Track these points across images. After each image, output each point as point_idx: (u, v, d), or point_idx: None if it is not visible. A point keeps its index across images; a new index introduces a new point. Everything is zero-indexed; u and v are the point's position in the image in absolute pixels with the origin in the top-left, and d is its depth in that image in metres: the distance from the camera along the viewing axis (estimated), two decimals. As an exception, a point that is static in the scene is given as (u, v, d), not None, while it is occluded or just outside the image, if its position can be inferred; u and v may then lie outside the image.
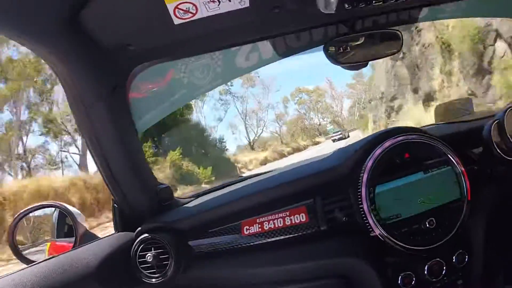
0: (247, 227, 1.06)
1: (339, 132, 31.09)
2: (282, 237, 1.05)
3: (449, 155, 1.00)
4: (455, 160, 1.00)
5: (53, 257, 1.07)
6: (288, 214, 1.05)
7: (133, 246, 1.05)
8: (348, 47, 1.11)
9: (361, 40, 1.12)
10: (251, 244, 1.06)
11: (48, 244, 1.63)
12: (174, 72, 1.14)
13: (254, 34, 1.08)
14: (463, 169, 0.99)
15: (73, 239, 1.28)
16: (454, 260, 1.01)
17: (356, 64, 1.16)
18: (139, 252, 1.04)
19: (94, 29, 0.88)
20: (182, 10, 0.83)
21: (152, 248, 1.04)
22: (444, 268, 0.99)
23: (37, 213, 1.46)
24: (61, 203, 1.39)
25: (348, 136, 29.15)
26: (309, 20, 1.07)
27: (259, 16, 0.95)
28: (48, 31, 0.82)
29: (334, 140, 28.14)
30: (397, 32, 1.14)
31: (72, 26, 0.84)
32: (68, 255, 1.08)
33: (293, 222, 1.05)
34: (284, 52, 1.18)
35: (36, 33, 0.81)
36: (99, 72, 0.97)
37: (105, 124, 1.01)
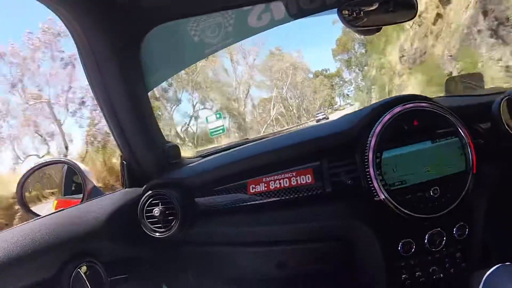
0: (253, 186, 1.08)
1: (322, 113, 31.80)
2: (287, 197, 1.07)
3: (457, 127, 1.00)
4: (463, 132, 0.99)
5: (62, 209, 1.10)
6: (294, 175, 1.07)
7: (141, 201, 1.07)
8: (362, 12, 1.09)
9: (375, 6, 1.10)
10: (256, 202, 1.08)
11: (55, 201, 1.67)
12: (185, 30, 1.13)
13: None
14: (470, 141, 0.99)
15: (79, 195, 1.32)
16: (454, 232, 1.02)
17: (369, 29, 1.14)
18: (147, 207, 1.07)
19: None
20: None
21: (160, 204, 1.06)
22: (444, 238, 1.01)
23: (46, 169, 1.50)
24: (70, 159, 1.41)
25: (328, 118, 29.65)
26: None
27: None
28: None
29: (318, 120, 27.74)
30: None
31: None
32: (77, 208, 1.11)
33: (299, 183, 1.06)
34: (296, 13, 1.16)
35: None
36: (111, 28, 0.97)
37: (116, 80, 1.02)
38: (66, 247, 0.93)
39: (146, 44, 1.06)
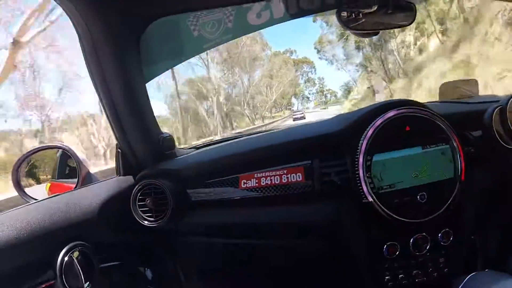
0: (245, 181, 1.10)
1: (301, 112, 31.44)
2: (277, 194, 1.09)
3: (449, 134, 1.01)
4: (454, 139, 1.01)
5: (57, 195, 1.11)
6: (285, 172, 1.08)
7: (134, 190, 1.09)
8: (360, 14, 1.10)
9: (374, 8, 1.11)
10: (247, 197, 1.10)
11: (48, 184, 1.67)
12: (185, 25, 1.14)
13: None
14: (460, 149, 1.01)
15: (73, 180, 1.32)
16: (439, 237, 1.03)
17: (366, 32, 1.15)
18: (139, 196, 1.09)
19: None
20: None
21: (152, 193, 1.08)
22: (429, 243, 1.03)
23: (40, 153, 1.51)
24: (66, 145, 1.42)
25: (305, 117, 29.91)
26: None
27: None
28: None
29: (294, 119, 28.15)
30: (411, 3, 1.13)
31: None
32: (71, 194, 1.13)
33: (290, 180, 1.08)
34: (296, 13, 1.17)
35: None
36: (113, 19, 0.98)
37: (115, 71, 1.03)
38: (60, 232, 0.95)
39: (146, 37, 1.07)
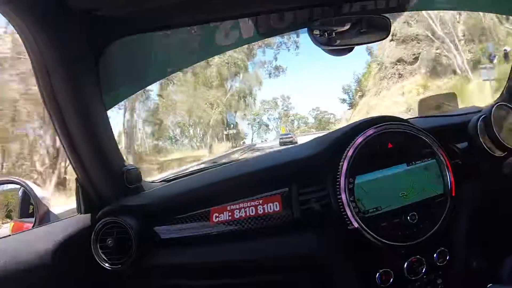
0: (217, 215, 1.01)
1: (290, 135, 26.64)
2: (253, 227, 1.01)
3: (434, 148, 0.98)
4: (440, 153, 0.97)
5: (12, 234, 1.04)
6: (261, 203, 1.01)
7: (95, 229, 1.00)
8: (334, 32, 1.07)
9: (347, 25, 1.09)
10: (220, 232, 1.02)
11: (12, 223, 1.59)
12: (148, 47, 1.08)
13: (234, 9, 1.03)
14: (448, 163, 0.97)
15: (33, 219, 1.26)
16: (435, 258, 0.98)
17: (340, 49, 1.12)
18: (100, 236, 0.99)
19: None
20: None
21: (114, 233, 0.99)
22: (424, 265, 0.97)
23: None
24: (24, 180, 1.35)
25: (296, 141, 23.61)
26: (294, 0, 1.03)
27: None
28: None
29: (281, 144, 23.81)
30: (385, 18, 1.11)
31: None
32: (24, 234, 1.06)
33: (266, 211, 1.00)
34: (266, 32, 1.14)
35: None
36: (67, 41, 0.90)
37: (68, 94, 0.93)
38: (11, 279, 0.87)
39: (104, 59, 1.00)
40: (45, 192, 1.34)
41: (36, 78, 0.93)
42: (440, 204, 0.95)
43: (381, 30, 1.11)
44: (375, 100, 23.29)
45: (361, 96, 28.95)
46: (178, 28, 1.05)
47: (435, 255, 0.97)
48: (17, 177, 1.40)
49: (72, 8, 0.86)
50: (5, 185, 1.47)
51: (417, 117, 1.45)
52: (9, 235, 1.07)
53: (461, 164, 1.05)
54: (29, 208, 1.47)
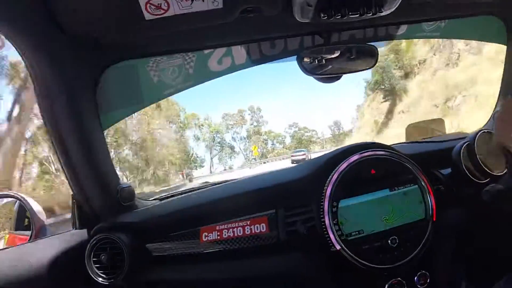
0: (206, 234, 1.04)
1: (302, 153, 25.61)
2: (240, 246, 1.03)
3: (416, 174, 1.00)
4: (422, 179, 1.00)
5: (6, 248, 1.04)
6: (248, 224, 1.03)
7: (89, 244, 1.02)
8: (323, 59, 1.11)
9: (336, 53, 1.13)
10: (209, 251, 1.04)
11: (7, 235, 1.60)
12: (144, 70, 1.12)
13: (227, 37, 1.07)
14: (429, 188, 0.99)
15: (28, 232, 1.26)
16: (415, 281, 1.00)
17: (329, 77, 1.16)
18: (94, 251, 1.01)
19: (64, 20, 0.85)
20: (154, 5, 0.82)
21: (108, 248, 1.01)
22: None
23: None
24: (22, 194, 1.36)
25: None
26: (284, 28, 1.07)
27: (232, 19, 0.93)
28: (19, 17, 0.79)
29: (294, 162, 21.67)
30: (373, 47, 1.15)
31: (43, 14, 0.81)
32: (20, 248, 1.07)
33: (253, 231, 1.03)
34: (258, 59, 1.18)
35: (7, 19, 0.79)
36: (67, 65, 0.94)
37: (69, 117, 0.98)
38: None
39: (103, 81, 1.04)
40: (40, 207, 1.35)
41: (37, 101, 0.96)
42: (421, 229, 0.97)
43: (369, 57, 1.15)
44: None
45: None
46: (172, 54, 1.10)
47: (415, 278, 0.99)
48: (13, 191, 1.42)
49: (73, 37, 0.90)
50: (2, 199, 1.48)
51: (403, 143, 1.48)
52: (5, 248, 1.08)
53: (444, 190, 1.07)
54: (25, 221, 1.49)
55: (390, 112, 18.88)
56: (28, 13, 0.80)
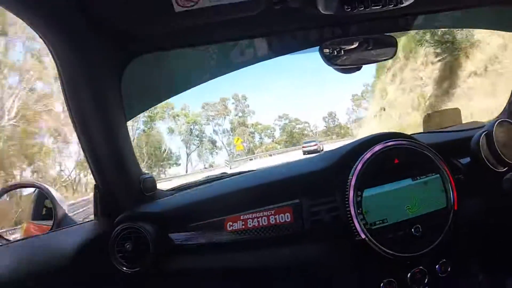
0: (231, 223, 1.05)
1: (314, 143, 24.74)
2: (265, 236, 1.04)
3: (438, 163, 1.01)
4: (443, 168, 1.01)
5: (29, 237, 1.05)
6: (273, 213, 1.04)
7: (113, 233, 1.03)
8: (343, 50, 1.12)
9: (356, 44, 1.13)
10: (233, 240, 1.05)
11: (24, 225, 1.60)
12: (168, 62, 1.12)
13: (253, 29, 1.08)
14: (451, 177, 1.00)
15: (49, 222, 1.27)
16: (437, 269, 1.01)
17: (349, 67, 1.16)
18: (119, 240, 1.02)
19: (93, 10, 0.86)
20: (185, -3, 0.82)
21: (132, 238, 1.02)
22: (427, 276, 1.00)
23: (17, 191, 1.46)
24: (43, 183, 1.37)
25: (322, 149, 20.66)
26: (308, 20, 1.07)
27: (260, 11, 0.93)
28: (47, 7, 0.80)
29: (305, 153, 22.18)
30: (393, 37, 1.16)
31: (72, 4, 0.82)
32: (45, 237, 1.08)
33: (278, 221, 1.04)
34: (279, 50, 1.18)
35: (35, 8, 0.79)
36: (94, 55, 0.95)
37: (94, 107, 0.98)
38: (28, 280, 0.89)
39: (128, 72, 1.05)
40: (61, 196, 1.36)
41: (63, 92, 0.97)
42: (443, 217, 0.99)
43: (389, 48, 1.16)
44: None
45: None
46: (200, 46, 1.10)
47: (437, 267, 1.01)
48: (34, 181, 1.43)
49: (99, 26, 0.91)
50: (23, 188, 1.49)
51: (421, 133, 1.49)
52: (27, 238, 1.09)
53: (464, 179, 1.07)
54: (42, 210, 1.50)
55: (446, 79, 11.48)
56: (56, 2, 0.80)
